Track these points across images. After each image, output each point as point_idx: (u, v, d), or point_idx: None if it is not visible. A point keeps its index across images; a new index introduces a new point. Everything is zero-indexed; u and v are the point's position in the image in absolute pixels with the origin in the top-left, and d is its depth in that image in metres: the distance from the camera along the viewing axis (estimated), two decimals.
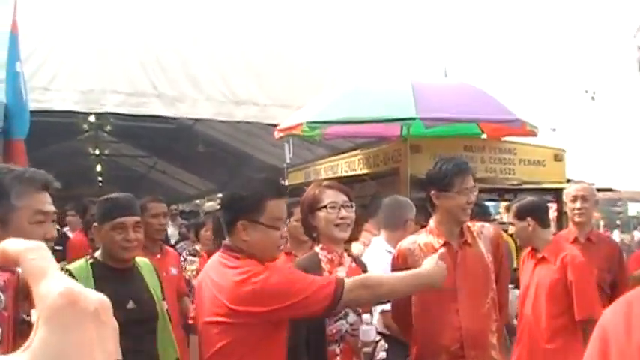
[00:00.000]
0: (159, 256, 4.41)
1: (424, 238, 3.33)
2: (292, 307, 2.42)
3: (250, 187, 2.64)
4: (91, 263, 3.08)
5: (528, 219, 4.15)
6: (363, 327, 2.85)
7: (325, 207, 2.91)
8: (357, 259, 3.14)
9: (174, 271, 4.57)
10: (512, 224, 4.37)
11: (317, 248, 2.98)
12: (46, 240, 2.20)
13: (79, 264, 3.10)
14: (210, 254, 5.27)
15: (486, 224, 3.57)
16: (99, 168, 20.72)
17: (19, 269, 0.59)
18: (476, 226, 3.41)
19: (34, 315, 0.52)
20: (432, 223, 3.36)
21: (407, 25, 10.07)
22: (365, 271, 3.09)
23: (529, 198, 4.44)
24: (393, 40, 10.20)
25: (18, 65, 6.38)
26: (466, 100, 5.94)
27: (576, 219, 4.65)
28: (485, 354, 3.20)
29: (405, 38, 10.17)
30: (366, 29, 10.16)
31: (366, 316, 2.87)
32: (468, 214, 3.28)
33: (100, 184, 21.83)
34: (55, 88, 8.40)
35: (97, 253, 3.17)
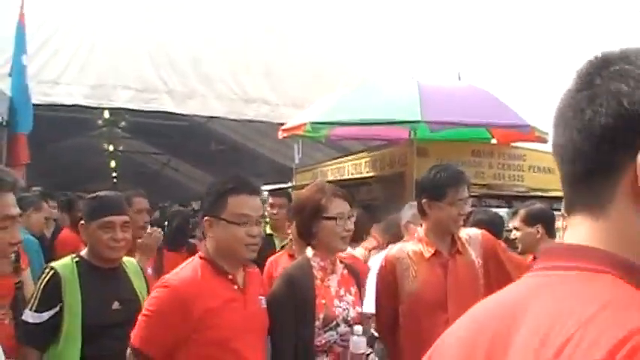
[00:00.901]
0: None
1: (412, 247, 3.19)
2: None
3: (215, 184, 2.62)
4: (76, 262, 2.98)
5: (538, 226, 4.02)
6: (354, 338, 2.74)
7: (334, 218, 2.76)
8: (349, 268, 3.01)
9: (149, 271, 4.47)
10: (517, 229, 4.22)
11: (309, 254, 2.85)
12: (11, 245, 2.10)
13: (64, 262, 3.00)
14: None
15: (474, 229, 3.42)
16: (113, 164, 20.75)
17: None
18: (464, 232, 3.28)
19: None
20: (420, 231, 3.23)
21: (422, 27, 9.93)
22: (357, 280, 2.99)
23: (538, 204, 4.30)
24: (408, 42, 10.06)
25: (24, 59, 6.36)
26: (473, 104, 5.83)
27: None
28: None
29: (420, 40, 10.03)
30: (380, 30, 10.05)
31: (357, 328, 2.75)
32: (460, 225, 3.14)
33: (114, 180, 21.88)
34: (64, 82, 8.38)
35: (83, 252, 3.09)
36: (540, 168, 6.44)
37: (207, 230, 2.53)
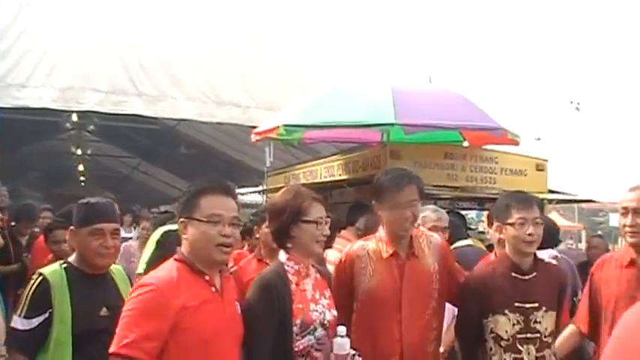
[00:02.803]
0: None
1: (373, 245, 3.24)
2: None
3: (190, 186, 2.61)
4: (65, 268, 2.96)
5: None
6: (338, 339, 2.72)
7: (314, 222, 2.78)
8: (321, 271, 3.01)
9: None
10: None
11: (282, 258, 2.83)
12: None
13: (53, 268, 2.98)
14: None
15: (433, 233, 3.48)
16: (81, 167, 20.48)
17: None
18: (423, 235, 3.33)
19: None
20: (381, 231, 3.27)
21: (393, 30, 10.01)
22: (329, 282, 2.99)
23: None
24: (379, 45, 10.13)
25: None
26: (447, 107, 5.85)
27: (628, 238, 3.42)
28: None
29: (392, 44, 10.12)
30: (352, 33, 10.09)
31: (340, 328, 2.74)
32: (407, 228, 3.15)
33: (83, 183, 21.62)
34: (32, 85, 8.26)
35: (71, 258, 3.04)
36: (512, 170, 6.50)
37: (182, 232, 2.50)
